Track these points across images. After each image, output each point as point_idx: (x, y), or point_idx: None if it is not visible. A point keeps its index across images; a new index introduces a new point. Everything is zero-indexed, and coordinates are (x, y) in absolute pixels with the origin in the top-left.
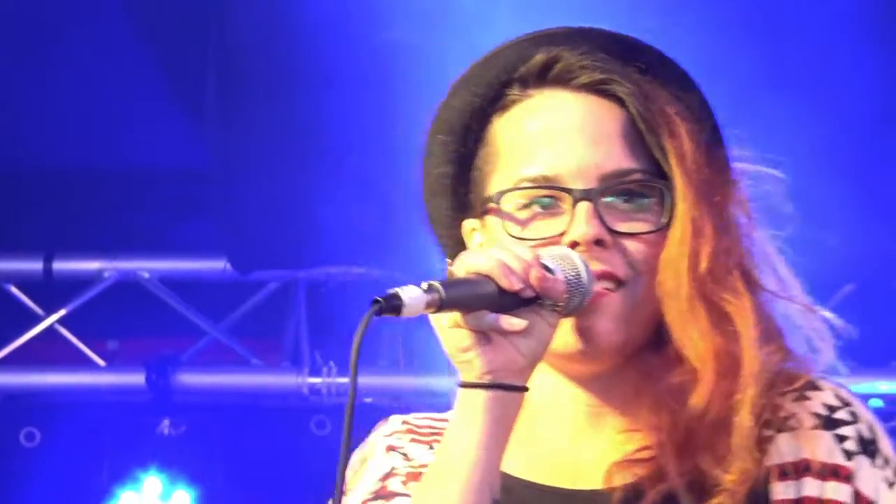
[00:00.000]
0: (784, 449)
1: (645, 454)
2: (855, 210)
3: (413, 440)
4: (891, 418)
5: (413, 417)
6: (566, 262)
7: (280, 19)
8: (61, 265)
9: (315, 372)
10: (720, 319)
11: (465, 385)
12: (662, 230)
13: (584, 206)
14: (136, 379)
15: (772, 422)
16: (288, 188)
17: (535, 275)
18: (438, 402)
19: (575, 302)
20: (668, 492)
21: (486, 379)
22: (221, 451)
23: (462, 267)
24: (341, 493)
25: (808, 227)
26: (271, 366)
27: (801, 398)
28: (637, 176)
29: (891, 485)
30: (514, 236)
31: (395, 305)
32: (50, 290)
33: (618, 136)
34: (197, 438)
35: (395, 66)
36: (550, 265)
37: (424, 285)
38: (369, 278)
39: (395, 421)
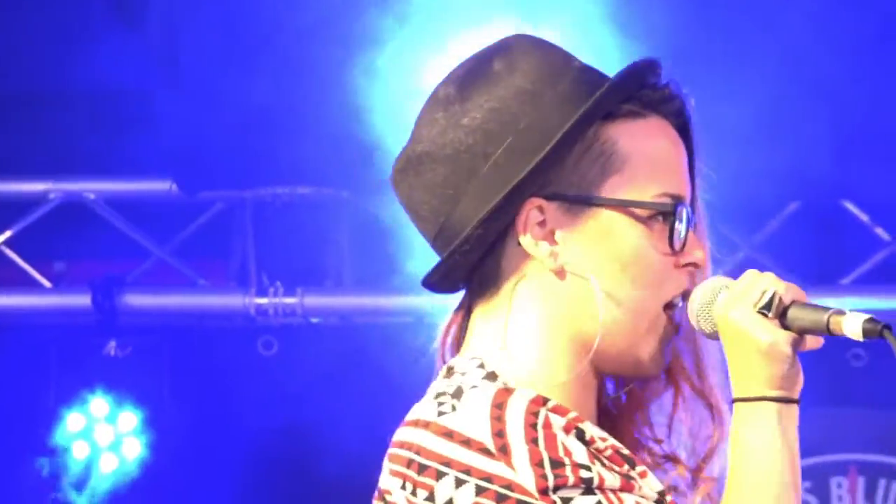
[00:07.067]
0: None
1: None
2: (800, 128)
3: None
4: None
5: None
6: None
7: None
8: (6, 186)
9: (262, 292)
10: None
11: (789, 401)
12: None
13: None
14: (82, 300)
15: None
16: (234, 108)
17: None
18: (385, 322)
19: None
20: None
21: (796, 394)
22: (168, 372)
23: (797, 295)
24: None
25: (755, 146)
26: (218, 286)
27: None
28: None
29: None
30: (673, 248)
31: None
32: None
33: None
34: (143, 360)
35: None
36: None
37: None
38: (315, 198)
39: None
